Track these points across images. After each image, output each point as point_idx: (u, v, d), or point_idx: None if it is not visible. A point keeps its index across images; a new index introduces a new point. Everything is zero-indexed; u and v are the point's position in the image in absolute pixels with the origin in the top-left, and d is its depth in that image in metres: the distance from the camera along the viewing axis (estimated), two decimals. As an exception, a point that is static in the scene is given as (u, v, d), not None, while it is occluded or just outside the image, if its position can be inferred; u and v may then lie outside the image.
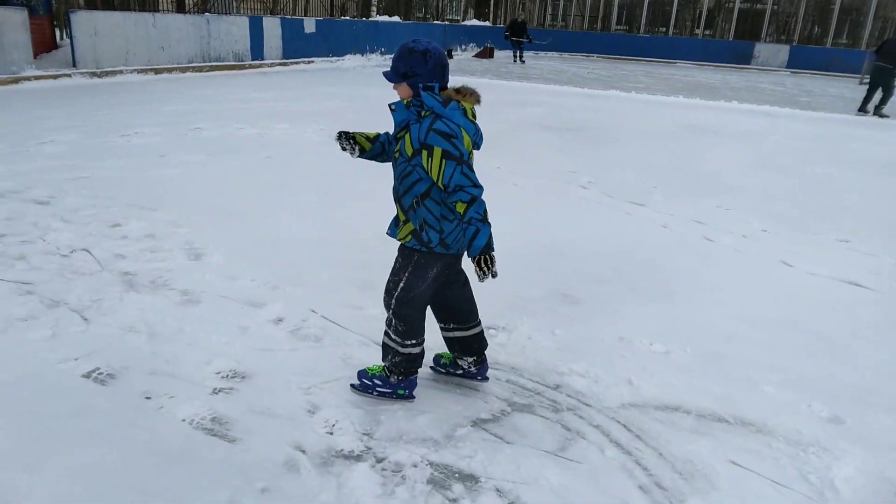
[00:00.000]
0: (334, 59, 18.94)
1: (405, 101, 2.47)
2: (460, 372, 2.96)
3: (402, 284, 2.62)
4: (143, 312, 3.44)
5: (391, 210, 2.72)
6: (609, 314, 3.78)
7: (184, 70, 14.13)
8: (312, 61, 18.14)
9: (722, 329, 3.68)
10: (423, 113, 2.43)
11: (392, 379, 2.75)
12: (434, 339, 2.96)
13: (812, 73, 28.57)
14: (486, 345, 2.92)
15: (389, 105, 2.50)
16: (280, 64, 17.01)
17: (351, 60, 19.54)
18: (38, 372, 2.85)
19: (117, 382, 2.83)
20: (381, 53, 21.32)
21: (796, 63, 29.36)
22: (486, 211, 2.43)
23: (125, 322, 3.33)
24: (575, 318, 3.69)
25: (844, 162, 8.90)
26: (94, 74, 12.20)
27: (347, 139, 2.69)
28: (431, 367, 3.03)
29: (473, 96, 2.51)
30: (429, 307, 2.81)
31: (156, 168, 6.30)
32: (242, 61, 15.85)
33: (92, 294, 3.60)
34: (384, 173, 3.02)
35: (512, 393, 2.93)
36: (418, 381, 2.85)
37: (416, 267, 2.59)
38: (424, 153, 2.41)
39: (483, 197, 2.44)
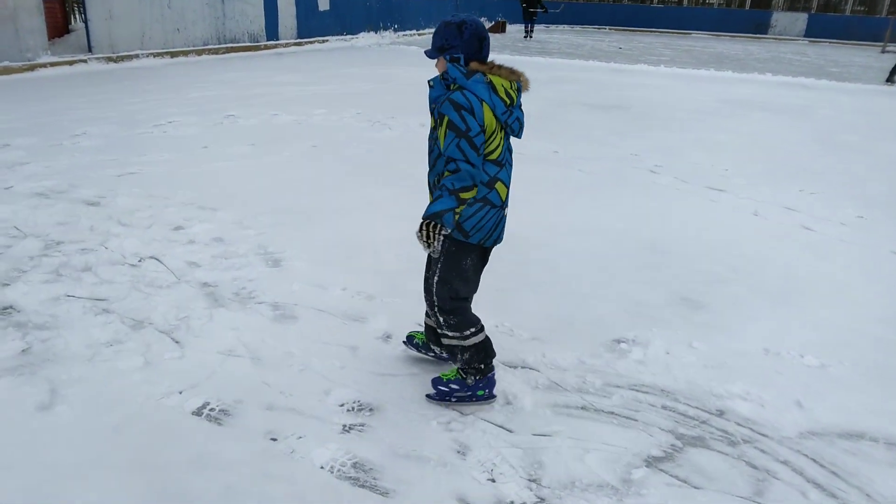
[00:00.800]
0: (348, 37, 18.39)
1: (440, 77, 2.38)
2: (432, 354, 2.87)
3: (436, 278, 2.48)
4: (239, 332, 3.08)
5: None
6: (742, 321, 3.43)
7: (199, 53, 13.63)
8: (327, 40, 17.60)
9: (871, 334, 3.33)
10: (451, 86, 2.34)
11: (469, 380, 2.58)
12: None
13: (831, 42, 27.92)
14: None
15: (429, 81, 2.40)
16: (295, 44, 16.48)
17: (365, 38, 18.99)
18: (144, 411, 2.51)
19: (234, 421, 2.49)
20: (395, 30, 20.75)
21: (814, 32, 28.70)
22: (464, 188, 2.26)
23: (222, 345, 2.98)
24: (708, 327, 3.34)
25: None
26: (109, 59, 11.72)
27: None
28: (403, 342, 2.95)
29: (505, 70, 2.38)
30: (423, 287, 2.61)
31: (204, 162, 5.91)
32: (258, 42, 15.33)
33: (176, 311, 3.25)
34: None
35: (675, 423, 2.59)
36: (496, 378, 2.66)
37: (448, 257, 2.45)
38: (439, 124, 2.32)
39: (470, 177, 2.27)
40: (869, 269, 4.19)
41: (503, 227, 2.52)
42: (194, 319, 3.18)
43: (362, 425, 2.49)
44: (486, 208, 2.40)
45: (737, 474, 2.33)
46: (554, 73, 13.43)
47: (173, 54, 12.98)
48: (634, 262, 4.10)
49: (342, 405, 2.60)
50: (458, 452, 2.36)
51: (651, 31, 30.28)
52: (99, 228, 4.26)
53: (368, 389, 2.70)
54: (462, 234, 2.41)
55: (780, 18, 29.68)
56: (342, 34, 18.15)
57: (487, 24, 26.39)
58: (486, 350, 2.57)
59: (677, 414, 2.65)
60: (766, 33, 29.59)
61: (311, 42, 16.99)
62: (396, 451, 2.35)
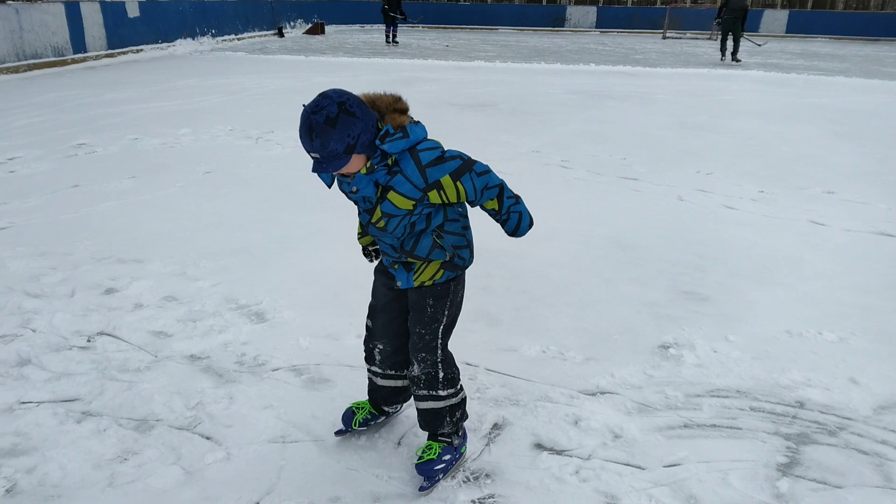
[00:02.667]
0: (165, 45, 16.76)
1: (363, 171, 1.91)
2: (383, 419, 2.50)
3: (441, 328, 2.15)
4: (276, 411, 2.58)
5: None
6: (746, 307, 3.57)
7: (-4, 72, 11.59)
8: (142, 49, 15.88)
9: (856, 304, 3.64)
10: (390, 161, 1.92)
11: (455, 442, 2.27)
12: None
13: (619, 31, 30.88)
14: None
15: (347, 190, 1.98)
16: (107, 55, 14.64)
17: (183, 46, 17.44)
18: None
19: (346, 525, 2.06)
20: (213, 36, 19.31)
21: (604, 23, 31.51)
22: (520, 207, 2.18)
23: (269, 432, 2.47)
24: (724, 318, 3.43)
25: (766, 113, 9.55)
26: None
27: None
28: (337, 433, 2.44)
29: (400, 103, 1.99)
30: (380, 349, 2.35)
31: (84, 204, 4.97)
32: (64, 56, 13.38)
33: (182, 399, 2.64)
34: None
35: (773, 424, 2.60)
36: None
37: (454, 296, 2.18)
38: (433, 193, 1.95)
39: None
40: (811, 242, 4.58)
41: None
42: (211, 405, 2.61)
43: (492, 497, 2.18)
44: (469, 232, 2.21)
45: (857, 464, 2.39)
46: (402, 74, 13.32)
47: (-39, 76, 10.89)
48: (614, 262, 4.12)
49: (452, 476, 2.26)
50: (609, 505, 2.16)
51: (462, 28, 31.30)
52: (6, 306, 3.37)
53: (468, 449, 2.39)
54: (463, 262, 2.15)
55: (573, 12, 32.13)
56: (157, 42, 16.47)
57: (305, 27, 25.53)
58: (466, 401, 2.30)
59: (767, 413, 2.67)
60: (563, 26, 31.91)
61: (124, 52, 15.20)
62: (552, 522, 2.10)
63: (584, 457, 2.37)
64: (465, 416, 2.29)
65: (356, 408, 2.45)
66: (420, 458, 2.21)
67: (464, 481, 2.24)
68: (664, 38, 27.40)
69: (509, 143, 7.40)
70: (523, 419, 2.56)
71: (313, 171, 1.83)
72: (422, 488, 2.18)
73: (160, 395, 2.66)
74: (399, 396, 2.41)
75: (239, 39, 20.77)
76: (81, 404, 2.61)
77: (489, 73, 14.00)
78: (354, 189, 1.95)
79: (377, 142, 1.87)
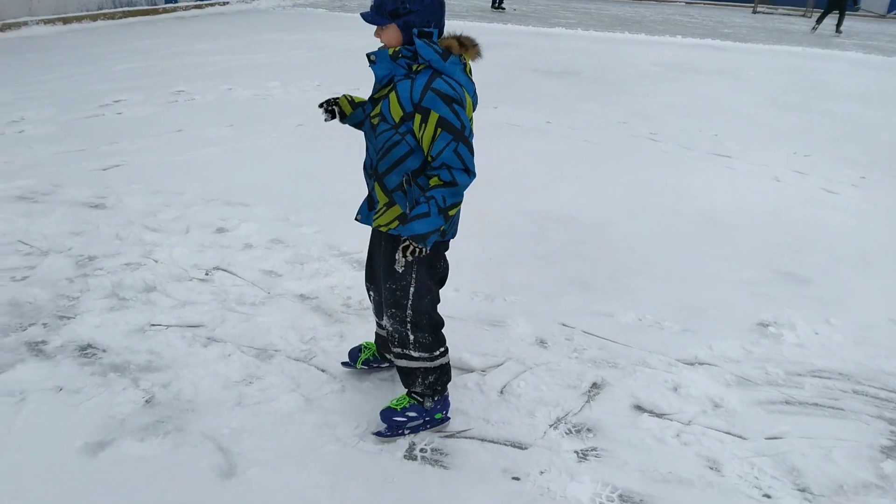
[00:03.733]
0: (250, -1, 17.05)
1: (391, 51, 1.92)
2: (385, 365, 2.56)
3: (412, 289, 2.10)
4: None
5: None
6: (851, 293, 3.49)
7: (94, 18, 12.08)
8: (227, 2, 16.22)
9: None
10: (415, 67, 1.91)
11: (427, 403, 2.27)
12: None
13: (706, 3, 29.56)
14: None
15: (368, 55, 1.95)
16: (195, 6, 15.03)
17: (266, 0, 17.69)
18: (351, 462, 2.13)
19: (456, 460, 2.18)
20: (295, -8, 19.46)
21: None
22: (455, 204, 1.94)
23: (383, 371, 2.60)
24: (830, 302, 3.37)
25: (834, 95, 9.11)
26: (-7, 27, 10.10)
27: (327, 105, 2.20)
28: (344, 364, 2.58)
29: (476, 49, 2.02)
30: (372, 297, 2.37)
31: (188, 148, 5.21)
32: (155, 4, 13.82)
33: (297, 333, 2.81)
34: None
35: (876, 408, 2.58)
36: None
37: (424, 264, 2.09)
38: (418, 118, 1.89)
39: (464, 192, 1.95)
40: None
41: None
42: (324, 341, 2.77)
43: (595, 450, 2.26)
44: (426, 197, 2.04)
45: (966, 455, 2.36)
46: (481, 39, 13.11)
47: (66, 21, 11.40)
48: (707, 239, 4.06)
49: (554, 427, 2.35)
50: (713, 469, 2.21)
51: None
52: (128, 237, 3.62)
53: (569, 404, 2.47)
54: (440, 234, 2.05)
55: (660, -20, 30.83)
56: (243, -5, 16.78)
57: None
58: (448, 371, 2.27)
59: (870, 397, 2.64)
60: (648, -5, 30.71)
61: (211, 4, 15.58)
62: (651, 476, 2.16)
63: (684, 422, 2.41)
64: (440, 382, 2.24)
65: (364, 347, 2.56)
66: (387, 405, 2.28)
67: (566, 433, 2.33)
68: (754, 12, 26.13)
69: (593, 113, 7.30)
70: (622, 381, 2.61)
71: (361, 14, 1.91)
72: (378, 433, 2.23)
73: (277, 329, 2.83)
74: (386, 345, 2.44)
75: (319, -5, 20.88)
76: (206, 330, 2.81)
77: (570, 41, 13.71)
78: (373, 58, 1.95)
79: (416, 37, 1.88)
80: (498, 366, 2.67)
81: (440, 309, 2.28)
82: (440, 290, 2.27)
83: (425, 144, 1.91)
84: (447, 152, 1.88)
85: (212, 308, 2.97)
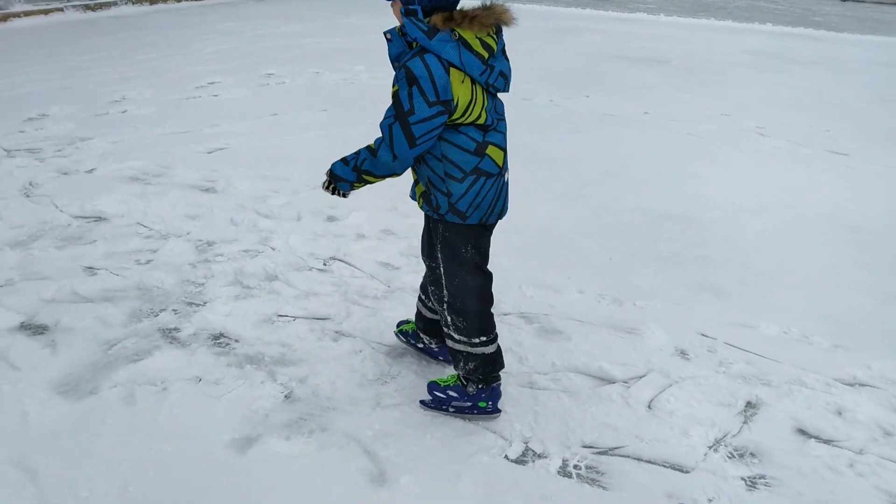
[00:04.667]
0: (325, -19, 17.09)
1: (398, 29, 1.94)
2: (420, 346, 2.55)
3: (442, 271, 2.13)
4: (523, 357, 2.59)
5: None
6: None
7: (179, -1, 12.31)
8: (303, -15, 16.28)
9: None
10: (413, 45, 1.91)
11: (470, 389, 2.23)
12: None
13: (789, -10, 28.17)
14: None
15: (385, 34, 1.96)
16: (273, -11, 15.15)
17: (341, -17, 17.70)
18: (507, 479, 2.03)
19: (614, 480, 2.04)
20: (368, -25, 19.44)
21: (773, -21, 28.80)
22: (370, 172, 1.97)
23: (521, 377, 2.48)
24: None
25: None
26: (87, 7, 10.38)
27: None
28: (395, 333, 2.63)
29: (479, 21, 1.85)
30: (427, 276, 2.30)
31: (286, 132, 5.19)
32: (237, -13, 13.99)
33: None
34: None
35: None
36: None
37: (445, 244, 2.10)
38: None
39: (386, 169, 1.95)
40: None
41: (506, 196, 2.14)
42: (535, 350, 2.66)
43: (763, 477, 2.09)
44: (481, 180, 2.00)
45: None
46: (559, 23, 12.87)
47: (152, 1, 11.64)
48: (839, 244, 3.76)
49: (714, 449, 2.18)
50: (897, 505, 2.01)
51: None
52: (243, 222, 3.60)
53: (725, 424, 2.30)
54: (458, 215, 2.02)
55: (740, -35, 29.56)
56: (318, -22, 16.83)
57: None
58: (493, 363, 2.22)
59: None
60: (726, -20, 29.49)
61: (288, -13, 15.67)
62: (831, 510, 1.98)
63: (855, 450, 2.21)
64: (482, 371, 2.20)
65: (410, 320, 2.60)
66: (436, 379, 2.35)
67: (728, 456, 2.16)
68: (843, 0, 24.79)
69: (691, 104, 6.97)
70: (779, 401, 2.42)
71: None
72: (421, 401, 2.30)
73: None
74: (431, 330, 2.45)
75: (391, -21, 20.82)
76: (333, 324, 2.75)
77: (653, 27, 13.22)
78: (388, 36, 1.96)
79: (403, 15, 1.87)
80: (640, 377, 2.52)
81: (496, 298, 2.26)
82: (485, 279, 2.20)
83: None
84: (384, 123, 1.91)
85: (336, 300, 2.90)
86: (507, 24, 1.92)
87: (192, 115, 5.47)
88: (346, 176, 2.02)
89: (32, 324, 2.63)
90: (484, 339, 2.17)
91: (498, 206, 2.09)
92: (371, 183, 2.03)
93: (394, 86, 1.88)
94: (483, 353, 2.18)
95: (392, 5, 1.94)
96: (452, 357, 2.23)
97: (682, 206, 4.19)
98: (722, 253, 3.60)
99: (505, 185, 2.10)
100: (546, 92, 7.05)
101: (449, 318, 2.16)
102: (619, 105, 6.69)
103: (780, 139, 5.86)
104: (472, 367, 2.19)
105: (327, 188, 2.09)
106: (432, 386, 2.30)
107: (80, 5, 10.26)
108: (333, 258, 3.29)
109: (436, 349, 2.52)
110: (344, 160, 2.03)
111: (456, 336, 2.17)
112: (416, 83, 1.83)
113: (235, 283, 3.01)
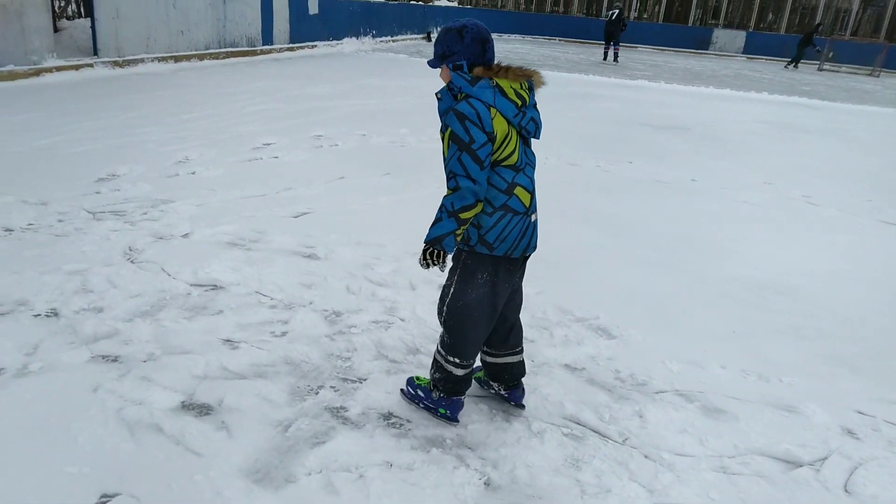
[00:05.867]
0: (334, 42, 17.51)
1: (446, 88, 2.26)
2: (492, 391, 2.69)
3: (451, 290, 2.37)
4: (703, 439, 2.56)
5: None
6: None
7: (201, 57, 12.45)
8: (316, 45, 16.66)
9: None
10: (458, 96, 2.22)
11: (434, 395, 2.51)
12: None
13: (767, 59, 29.54)
14: (522, 373, 2.62)
15: (436, 94, 2.27)
16: (287, 49, 15.46)
17: (349, 44, 18.15)
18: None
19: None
20: (373, 36, 19.99)
21: (752, 49, 30.23)
22: (465, 207, 2.15)
23: (713, 461, 2.44)
24: None
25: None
26: (116, 64, 10.44)
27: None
28: (474, 379, 2.76)
29: (513, 72, 2.24)
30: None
31: (362, 198, 5.19)
32: (254, 46, 14.23)
33: (593, 410, 2.67)
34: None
35: None
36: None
37: (464, 269, 2.33)
38: (442, 136, 2.21)
39: (472, 195, 2.14)
40: None
41: (533, 234, 2.35)
42: (626, 421, 2.62)
43: None
44: (507, 216, 2.25)
45: None
46: (572, 89, 13.27)
47: (177, 59, 11.76)
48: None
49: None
50: None
51: (599, 44, 30.90)
52: (360, 291, 3.55)
53: (925, 511, 2.27)
54: (486, 246, 2.27)
55: (720, 35, 31.05)
56: (328, 39, 17.23)
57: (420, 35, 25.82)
58: (457, 383, 2.45)
59: None
60: (707, 49, 30.89)
61: (301, 47, 16.00)
62: None
63: None
64: (442, 384, 2.44)
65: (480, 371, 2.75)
66: (417, 375, 2.67)
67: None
68: (820, 69, 26.03)
69: (730, 171, 7.17)
70: None
71: (427, 62, 2.34)
72: (401, 389, 2.65)
73: (570, 404, 2.70)
74: (494, 376, 2.61)
75: (394, 41, 21.40)
76: (501, 402, 2.68)
77: (658, 94, 13.69)
78: (439, 96, 2.25)
79: (451, 70, 2.22)
80: (824, 459, 2.50)
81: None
82: (490, 312, 2.36)
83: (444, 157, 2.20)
84: (453, 161, 2.15)
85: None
86: (539, 85, 2.30)
87: (263, 178, 5.46)
88: (446, 229, 2.16)
89: (194, 403, 2.53)
90: (458, 361, 2.40)
91: (523, 242, 2.31)
92: (466, 224, 2.18)
93: (444, 130, 2.17)
94: (451, 372, 2.41)
95: (441, 71, 2.27)
96: (433, 360, 2.49)
97: (773, 275, 4.26)
98: (834, 325, 3.64)
99: (532, 225, 2.33)
100: (590, 157, 7.21)
101: (443, 330, 2.42)
102: (664, 172, 6.86)
103: (830, 208, 6.03)
104: (438, 377, 2.45)
105: (427, 259, 2.21)
106: (409, 381, 2.64)
107: (108, 62, 10.31)
108: (466, 331, 3.25)
109: (505, 394, 2.65)
110: (432, 225, 2.19)
111: (439, 347, 2.44)
112: (466, 118, 2.13)
113: (380, 357, 2.95)
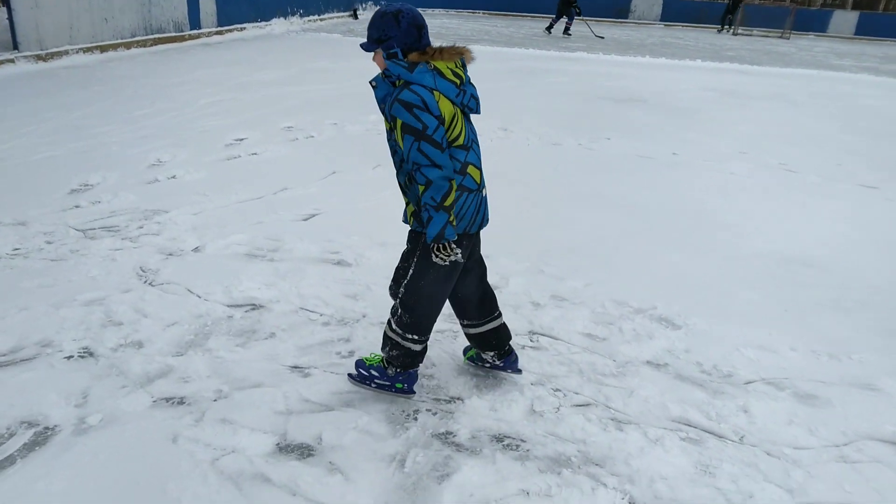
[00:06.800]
0: (262, 23, 16.67)
1: (381, 74, 2.26)
2: (488, 365, 2.74)
3: (411, 271, 2.40)
4: (814, 428, 2.54)
5: None
6: None
7: (128, 46, 11.55)
8: (244, 27, 15.79)
9: None
10: (396, 83, 2.23)
11: (389, 371, 2.55)
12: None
13: (684, 25, 30.45)
14: (509, 337, 2.69)
15: (370, 82, 2.27)
16: (216, 33, 14.57)
17: (278, 25, 17.32)
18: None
19: None
20: (300, 16, 19.19)
21: (669, 16, 31.05)
22: (445, 195, 2.17)
23: (832, 452, 2.43)
24: None
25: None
26: (38, 58, 9.50)
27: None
28: (464, 362, 2.83)
29: (447, 52, 2.26)
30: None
31: (368, 193, 4.92)
32: (182, 31, 13.33)
33: (699, 410, 2.61)
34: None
35: None
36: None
37: (424, 252, 2.34)
38: (393, 127, 2.22)
39: (444, 181, 2.16)
40: None
41: (486, 209, 2.42)
42: (733, 418, 2.58)
43: None
44: (463, 195, 2.30)
45: None
46: (517, 64, 13.20)
47: (103, 49, 10.86)
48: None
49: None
50: None
51: (524, 16, 30.91)
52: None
53: None
54: (451, 224, 2.27)
55: (638, 4, 31.67)
56: (257, 20, 16.39)
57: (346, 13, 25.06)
58: (414, 357, 2.50)
59: None
60: (627, 18, 31.48)
61: (230, 30, 15.13)
62: None
63: None
64: (400, 360, 2.48)
65: (470, 346, 2.77)
66: (363, 357, 2.66)
67: None
68: (734, 34, 27.05)
69: (702, 143, 7.28)
70: None
71: (360, 45, 2.27)
72: (349, 374, 2.63)
73: (671, 404, 2.63)
74: (484, 344, 2.63)
75: (321, 20, 20.64)
76: (602, 409, 2.58)
77: (602, 66, 13.81)
78: (374, 84, 2.24)
79: (385, 59, 2.21)
80: (487, 364, 2.65)
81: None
82: (448, 289, 2.42)
83: (402, 150, 2.19)
84: (413, 152, 2.14)
85: (579, 380, 2.74)
86: (469, 60, 2.31)
87: (250, 178, 5.09)
88: (441, 222, 2.16)
89: (291, 444, 2.30)
90: (416, 337, 2.44)
91: (479, 217, 2.37)
92: (454, 206, 2.20)
93: (391, 122, 2.18)
94: (409, 349, 2.45)
95: (374, 56, 2.27)
96: (383, 340, 2.50)
97: (794, 248, 4.33)
98: (868, 294, 3.73)
99: (484, 200, 2.39)
100: (569, 136, 7.15)
101: (398, 310, 2.42)
102: (643, 146, 6.88)
103: (809, 174, 6.22)
104: (394, 354, 2.47)
105: (440, 255, 2.21)
106: (359, 363, 2.61)
107: (31, 56, 9.39)
108: (533, 332, 3.12)
109: (500, 363, 2.68)
110: (428, 225, 2.18)
111: (394, 326, 2.45)
112: (413, 106, 2.13)
113: (463, 371, 2.79)
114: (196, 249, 3.80)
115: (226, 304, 3.21)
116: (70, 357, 2.72)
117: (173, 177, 5.05)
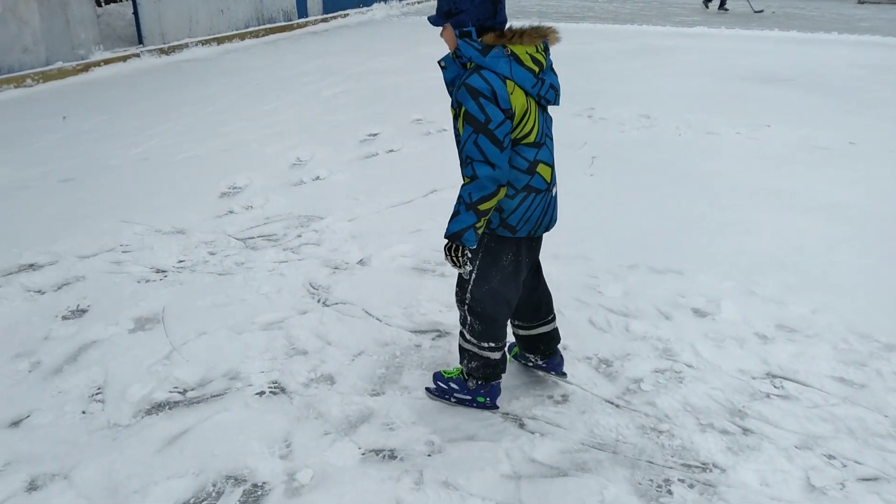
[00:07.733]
0: (364, 9, 16.54)
1: (451, 54, 2.02)
2: (531, 364, 2.57)
3: (474, 275, 2.21)
4: None
5: None
6: None
7: (242, 37, 11.61)
8: (348, 14, 15.72)
9: None
10: (467, 65, 1.99)
11: (470, 384, 2.37)
12: None
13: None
14: (557, 341, 2.51)
15: (439, 62, 2.05)
16: (322, 20, 14.53)
17: (378, 10, 17.15)
18: None
19: None
20: (399, 0, 18.97)
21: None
22: (484, 198, 1.95)
23: None
24: None
25: None
26: (161, 51, 9.67)
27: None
28: (510, 359, 2.65)
29: (528, 35, 1.98)
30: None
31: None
32: (291, 20, 13.35)
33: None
34: None
35: None
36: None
37: (487, 253, 2.17)
38: (457, 114, 2.00)
39: (493, 182, 1.94)
40: None
41: (555, 209, 2.21)
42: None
43: None
44: (531, 196, 2.08)
45: None
46: (639, 42, 12.43)
47: (219, 41, 10.95)
48: None
49: None
50: None
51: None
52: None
53: None
54: (508, 230, 2.12)
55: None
56: (359, 6, 16.28)
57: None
58: (495, 367, 2.32)
59: None
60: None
61: (335, 17, 15.08)
62: None
63: None
64: (481, 371, 2.30)
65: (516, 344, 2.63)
66: (442, 370, 2.50)
67: None
68: (723, 9, 24.70)
69: (878, 129, 6.41)
70: None
71: (428, 18, 2.06)
72: (426, 389, 2.47)
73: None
74: (530, 347, 2.49)
75: (419, 3, 20.35)
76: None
77: (729, 41, 12.77)
78: (443, 64, 2.04)
79: (458, 38, 1.97)
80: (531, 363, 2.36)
81: None
82: (515, 291, 2.25)
83: (459, 139, 1.98)
84: (469, 144, 1.94)
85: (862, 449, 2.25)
86: (553, 42, 2.05)
87: (397, 179, 4.81)
88: (465, 223, 1.97)
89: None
90: (493, 345, 2.28)
91: (545, 219, 2.17)
92: (488, 214, 1.98)
93: (456, 108, 1.97)
94: (488, 357, 2.29)
95: (443, 32, 2.02)
96: (459, 353, 2.35)
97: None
98: None
99: (553, 200, 2.17)
100: (722, 123, 6.48)
101: (468, 319, 2.26)
102: (812, 135, 6.13)
103: None
104: (474, 365, 2.31)
105: (451, 256, 2.04)
106: (437, 376, 2.46)
107: (154, 49, 9.54)
108: (773, 375, 2.64)
109: (543, 364, 2.53)
110: (453, 217, 1.99)
111: (468, 336, 2.29)
112: (480, 95, 1.91)
113: (705, 426, 2.35)
114: (361, 262, 3.53)
115: (410, 329, 2.91)
116: (262, 393, 2.48)
117: (317, 178, 4.83)
